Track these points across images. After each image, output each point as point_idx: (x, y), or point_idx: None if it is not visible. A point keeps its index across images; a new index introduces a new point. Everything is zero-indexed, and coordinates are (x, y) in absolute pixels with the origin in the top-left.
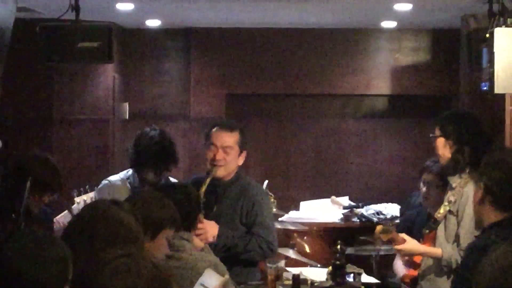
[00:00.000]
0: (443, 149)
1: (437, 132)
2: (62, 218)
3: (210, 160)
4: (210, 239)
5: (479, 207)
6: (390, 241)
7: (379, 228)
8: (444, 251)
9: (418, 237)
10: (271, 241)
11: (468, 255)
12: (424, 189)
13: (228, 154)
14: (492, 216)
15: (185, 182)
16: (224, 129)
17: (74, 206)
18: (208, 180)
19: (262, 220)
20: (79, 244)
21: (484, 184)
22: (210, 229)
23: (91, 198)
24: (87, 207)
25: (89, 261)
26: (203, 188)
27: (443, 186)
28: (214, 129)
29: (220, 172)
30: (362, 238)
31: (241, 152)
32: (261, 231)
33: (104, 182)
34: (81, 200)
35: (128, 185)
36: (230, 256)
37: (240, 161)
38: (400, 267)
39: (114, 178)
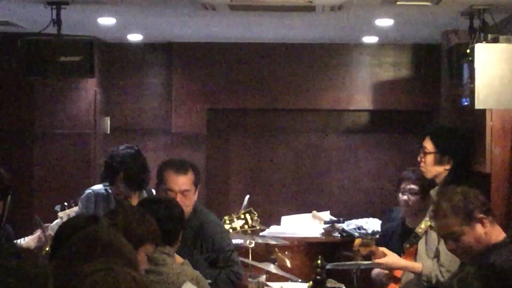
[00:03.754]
0: (434, 164)
1: (430, 146)
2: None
3: None
4: None
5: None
6: (370, 255)
7: (357, 241)
8: (424, 266)
9: (397, 250)
10: (239, 272)
11: None
12: (404, 197)
13: (187, 197)
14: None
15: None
16: (179, 172)
17: (58, 221)
18: None
19: (226, 254)
20: (58, 260)
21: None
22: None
23: (75, 213)
24: (66, 223)
25: (68, 276)
26: None
27: (423, 193)
28: (168, 173)
29: None
30: (345, 253)
31: (195, 189)
32: (228, 264)
33: (88, 191)
34: (65, 215)
35: (111, 194)
36: None
37: (196, 196)
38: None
39: (97, 187)
